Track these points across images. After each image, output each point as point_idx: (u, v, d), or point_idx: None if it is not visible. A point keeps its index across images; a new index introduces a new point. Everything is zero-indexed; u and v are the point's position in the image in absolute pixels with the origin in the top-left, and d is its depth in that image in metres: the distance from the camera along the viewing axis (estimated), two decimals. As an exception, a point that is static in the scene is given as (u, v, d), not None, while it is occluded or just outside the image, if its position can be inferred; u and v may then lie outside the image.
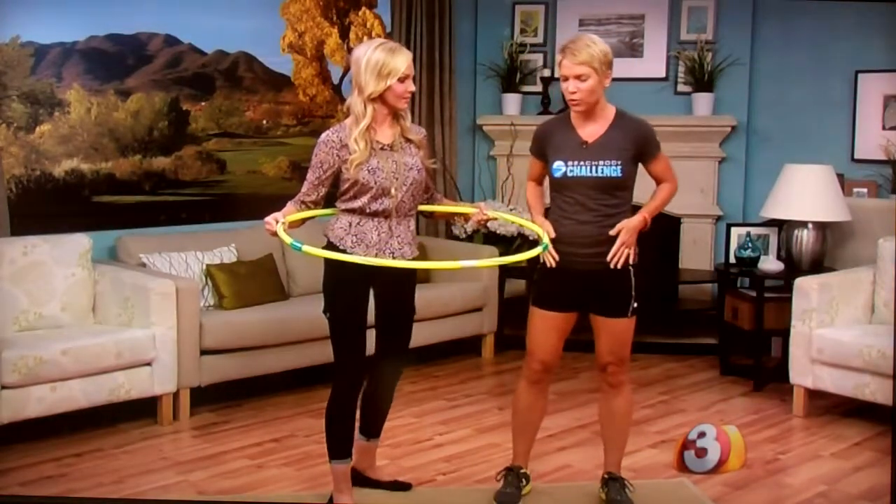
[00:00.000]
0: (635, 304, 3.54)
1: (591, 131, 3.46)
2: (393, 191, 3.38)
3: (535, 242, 6.23)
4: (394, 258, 3.41)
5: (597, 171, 3.41)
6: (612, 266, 3.44)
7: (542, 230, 3.46)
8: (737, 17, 6.29)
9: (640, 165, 3.53)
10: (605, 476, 3.71)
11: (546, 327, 3.57)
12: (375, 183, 3.36)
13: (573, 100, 3.41)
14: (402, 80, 3.34)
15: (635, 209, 3.54)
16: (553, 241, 3.48)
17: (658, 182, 3.58)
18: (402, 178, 3.40)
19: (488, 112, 6.73)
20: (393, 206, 3.40)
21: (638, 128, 3.50)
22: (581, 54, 3.35)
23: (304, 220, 3.48)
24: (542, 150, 3.55)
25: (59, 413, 4.29)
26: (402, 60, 3.33)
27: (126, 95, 5.38)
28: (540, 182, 3.68)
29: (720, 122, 6.30)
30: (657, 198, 3.58)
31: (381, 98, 3.35)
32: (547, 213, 3.59)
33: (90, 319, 4.77)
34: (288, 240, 3.21)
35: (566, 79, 3.40)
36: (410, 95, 3.40)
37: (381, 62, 3.31)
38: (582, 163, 3.43)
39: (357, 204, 3.39)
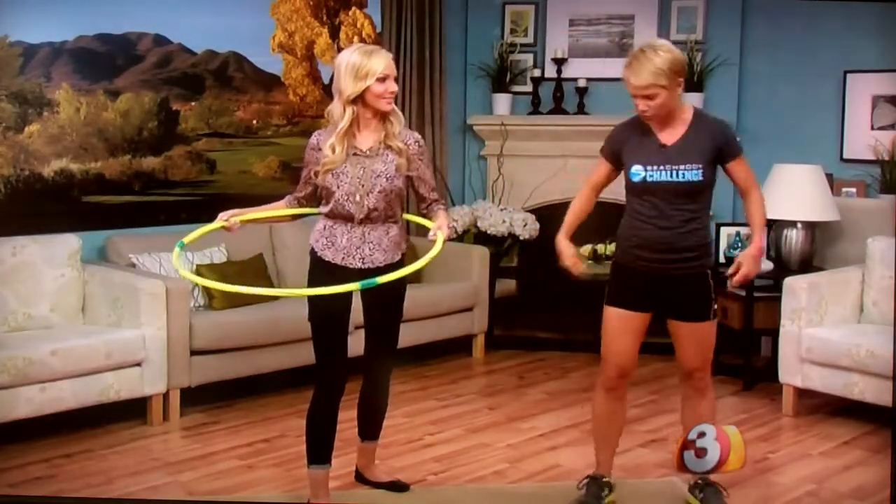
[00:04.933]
0: (716, 307, 3.48)
1: (669, 133, 3.36)
2: (358, 197, 3.36)
3: (526, 242, 6.26)
4: (363, 264, 3.40)
5: (677, 177, 3.32)
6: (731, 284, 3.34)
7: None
8: (726, 17, 6.30)
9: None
10: (699, 481, 3.66)
11: (621, 328, 3.49)
12: (338, 188, 3.36)
13: (643, 115, 3.33)
14: (380, 80, 3.32)
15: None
16: (628, 243, 3.44)
17: (741, 187, 3.45)
18: (369, 186, 3.37)
19: (478, 112, 6.72)
20: (360, 212, 3.38)
21: (718, 128, 3.41)
22: (643, 75, 3.23)
23: (294, 217, 3.60)
24: (617, 153, 3.44)
25: (48, 414, 4.27)
26: (379, 61, 3.32)
27: (115, 95, 5.36)
28: (597, 189, 3.55)
29: (710, 122, 6.31)
30: (756, 214, 3.43)
31: (362, 100, 3.35)
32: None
33: (79, 320, 4.76)
34: (185, 241, 3.44)
35: (634, 96, 3.31)
36: (392, 96, 3.36)
37: (357, 64, 3.31)
38: (662, 167, 3.33)
39: (327, 208, 3.43)
